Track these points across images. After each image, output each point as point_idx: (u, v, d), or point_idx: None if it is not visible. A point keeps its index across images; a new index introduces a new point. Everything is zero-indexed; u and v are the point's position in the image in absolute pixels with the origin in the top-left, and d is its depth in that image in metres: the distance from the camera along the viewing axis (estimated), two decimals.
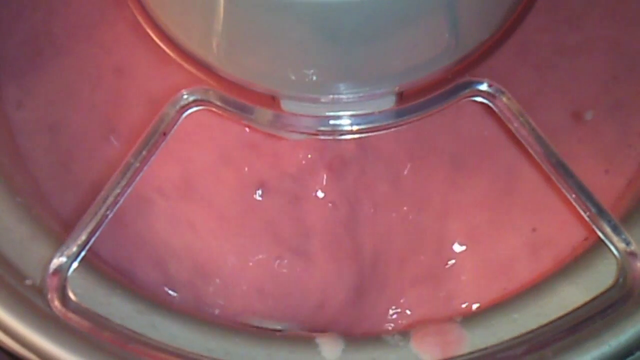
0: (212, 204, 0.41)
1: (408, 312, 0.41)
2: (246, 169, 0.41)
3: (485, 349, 0.36)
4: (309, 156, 0.42)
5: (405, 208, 0.42)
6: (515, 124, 0.36)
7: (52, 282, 0.35)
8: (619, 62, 0.42)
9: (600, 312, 0.35)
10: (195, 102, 0.36)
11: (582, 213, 0.36)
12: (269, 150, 0.42)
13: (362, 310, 0.41)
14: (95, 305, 0.36)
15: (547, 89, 0.42)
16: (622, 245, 0.36)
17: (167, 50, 0.36)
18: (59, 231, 0.39)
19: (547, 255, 0.41)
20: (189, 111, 0.36)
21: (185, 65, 0.36)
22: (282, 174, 0.41)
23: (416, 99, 0.36)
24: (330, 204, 0.41)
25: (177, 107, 0.36)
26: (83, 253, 0.35)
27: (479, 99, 0.36)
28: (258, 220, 0.41)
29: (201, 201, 0.41)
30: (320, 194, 0.41)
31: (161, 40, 0.36)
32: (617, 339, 0.35)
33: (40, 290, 0.36)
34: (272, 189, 0.41)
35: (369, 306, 0.41)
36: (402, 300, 0.41)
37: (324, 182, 0.42)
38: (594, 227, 0.36)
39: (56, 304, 0.35)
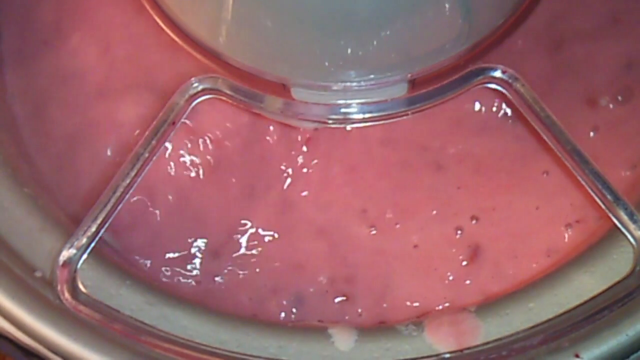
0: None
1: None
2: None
3: (501, 339, 0.36)
4: None
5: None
6: (530, 111, 0.36)
7: (62, 274, 0.35)
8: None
9: (617, 301, 0.35)
10: (205, 91, 0.36)
11: (598, 200, 0.36)
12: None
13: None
14: (105, 297, 0.36)
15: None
16: (638, 233, 0.35)
17: (176, 39, 0.36)
18: (68, 222, 0.38)
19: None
20: (198, 100, 0.36)
21: (194, 53, 0.36)
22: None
23: (428, 87, 0.36)
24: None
25: (187, 96, 0.36)
26: (93, 244, 0.35)
27: (493, 85, 0.36)
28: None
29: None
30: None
31: (170, 28, 0.36)
32: (635, 328, 0.35)
33: (50, 283, 0.36)
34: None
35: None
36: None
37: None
38: (609, 214, 0.36)
39: (66, 296, 0.35)
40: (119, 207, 0.36)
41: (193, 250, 0.41)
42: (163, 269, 0.41)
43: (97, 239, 0.35)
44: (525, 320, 0.36)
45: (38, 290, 0.36)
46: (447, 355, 0.36)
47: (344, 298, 0.40)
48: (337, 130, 0.41)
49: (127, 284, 0.37)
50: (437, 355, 0.36)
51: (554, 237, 0.40)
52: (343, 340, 0.37)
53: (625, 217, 0.35)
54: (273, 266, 0.41)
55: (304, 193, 0.41)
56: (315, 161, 0.41)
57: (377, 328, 0.38)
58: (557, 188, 0.41)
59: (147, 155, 0.36)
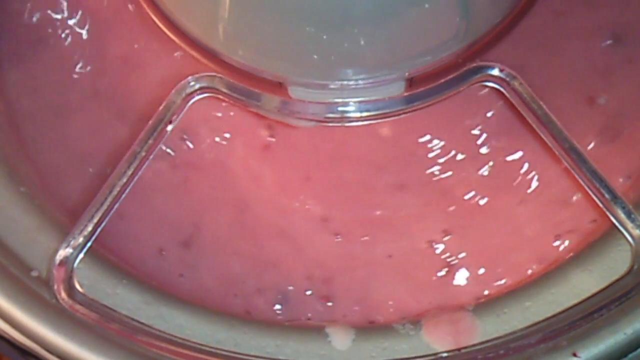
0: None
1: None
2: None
3: (498, 338, 0.36)
4: None
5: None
6: (527, 109, 0.36)
7: (59, 274, 0.35)
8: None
9: (615, 299, 0.35)
10: (202, 90, 0.36)
11: (596, 199, 0.36)
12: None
13: None
14: (102, 297, 0.36)
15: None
16: (636, 232, 0.36)
17: (173, 37, 0.36)
18: (65, 222, 0.38)
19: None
20: (195, 99, 0.36)
21: (191, 51, 0.36)
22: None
23: (426, 85, 0.36)
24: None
25: (183, 94, 0.36)
26: (89, 244, 0.35)
27: (491, 84, 0.36)
28: None
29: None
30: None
31: (166, 26, 0.36)
32: (633, 326, 0.35)
33: (46, 282, 0.36)
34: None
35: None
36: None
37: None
38: (607, 213, 0.36)
39: (63, 295, 0.35)
40: (115, 206, 0.35)
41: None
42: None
43: (93, 238, 0.35)
44: (523, 319, 0.36)
45: (34, 290, 0.36)
46: (445, 355, 0.36)
47: (326, 298, 0.40)
48: (294, 139, 0.41)
49: (123, 283, 0.37)
50: (434, 354, 0.36)
51: (540, 249, 0.40)
52: (340, 339, 0.37)
53: (622, 216, 0.36)
54: (246, 263, 0.41)
55: (263, 195, 0.41)
56: (274, 165, 0.41)
57: (374, 327, 0.38)
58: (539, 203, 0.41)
59: (143, 154, 0.36)
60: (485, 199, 0.40)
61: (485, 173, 0.40)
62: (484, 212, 0.40)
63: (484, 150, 0.40)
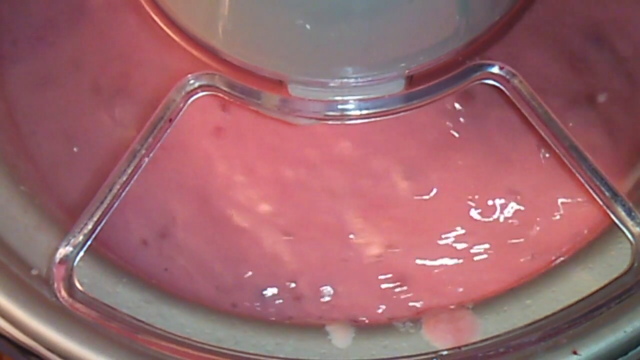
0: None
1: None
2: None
3: (498, 336, 0.36)
4: None
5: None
6: (527, 107, 0.36)
7: (59, 272, 0.35)
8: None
9: (615, 297, 0.35)
10: (202, 88, 0.36)
11: (596, 197, 0.36)
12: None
13: None
14: (102, 295, 0.36)
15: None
16: (636, 230, 0.35)
17: (172, 35, 0.36)
18: (65, 220, 0.38)
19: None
20: (195, 97, 0.36)
21: (191, 49, 0.36)
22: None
23: (426, 83, 0.36)
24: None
25: (183, 92, 0.36)
26: (89, 242, 0.35)
27: (491, 81, 0.36)
28: None
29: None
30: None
31: (166, 24, 0.36)
32: (633, 324, 0.35)
33: (46, 281, 0.36)
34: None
35: None
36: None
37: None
38: (608, 211, 0.36)
39: (63, 294, 0.35)
40: (115, 205, 0.35)
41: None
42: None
43: (93, 236, 0.35)
44: (523, 317, 0.36)
45: (34, 288, 0.36)
46: (445, 353, 0.36)
47: (296, 294, 0.40)
48: (243, 125, 0.40)
49: (123, 282, 0.37)
50: (434, 352, 0.36)
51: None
52: (340, 337, 0.37)
53: (623, 214, 0.35)
54: (220, 255, 0.40)
55: (217, 183, 0.41)
56: (225, 152, 0.41)
57: (374, 325, 0.38)
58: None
59: (143, 152, 0.36)
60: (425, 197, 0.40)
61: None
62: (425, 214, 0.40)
63: None
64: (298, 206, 0.41)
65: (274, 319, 0.39)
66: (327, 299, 0.40)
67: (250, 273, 0.40)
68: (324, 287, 0.40)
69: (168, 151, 0.40)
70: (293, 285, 0.40)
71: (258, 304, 0.40)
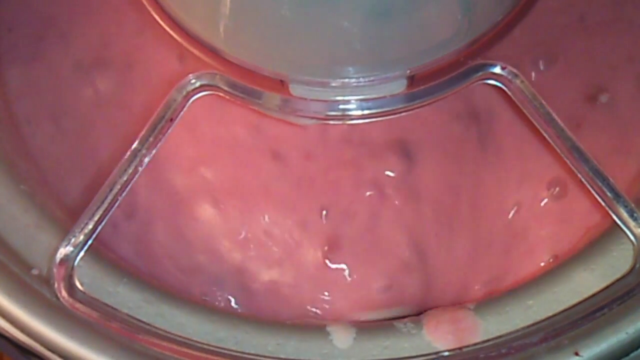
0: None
1: None
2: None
3: (500, 336, 0.36)
4: None
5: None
6: (529, 108, 0.36)
7: (59, 272, 0.35)
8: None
9: (617, 298, 0.35)
10: (203, 87, 0.36)
11: (598, 197, 0.36)
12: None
13: None
14: (102, 295, 0.36)
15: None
16: (638, 231, 0.35)
17: (173, 34, 0.36)
18: (65, 219, 0.38)
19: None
20: (196, 96, 0.36)
21: (192, 49, 0.35)
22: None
23: (428, 83, 0.36)
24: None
25: (184, 92, 0.36)
26: (90, 242, 0.35)
27: (492, 82, 0.36)
28: None
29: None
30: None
31: (167, 24, 0.36)
32: (635, 326, 0.35)
33: (46, 280, 0.36)
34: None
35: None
36: None
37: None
38: (610, 212, 0.36)
39: (63, 294, 0.35)
40: (116, 204, 0.35)
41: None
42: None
43: (94, 236, 0.35)
44: (525, 318, 0.36)
45: (35, 288, 0.35)
46: (446, 353, 0.36)
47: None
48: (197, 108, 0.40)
49: (124, 282, 0.37)
50: (436, 353, 0.36)
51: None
52: (341, 337, 0.37)
53: (625, 215, 0.35)
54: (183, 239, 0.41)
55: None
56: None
57: (375, 326, 0.37)
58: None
59: (144, 151, 0.35)
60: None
61: None
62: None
63: None
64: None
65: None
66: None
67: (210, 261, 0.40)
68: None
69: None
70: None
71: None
